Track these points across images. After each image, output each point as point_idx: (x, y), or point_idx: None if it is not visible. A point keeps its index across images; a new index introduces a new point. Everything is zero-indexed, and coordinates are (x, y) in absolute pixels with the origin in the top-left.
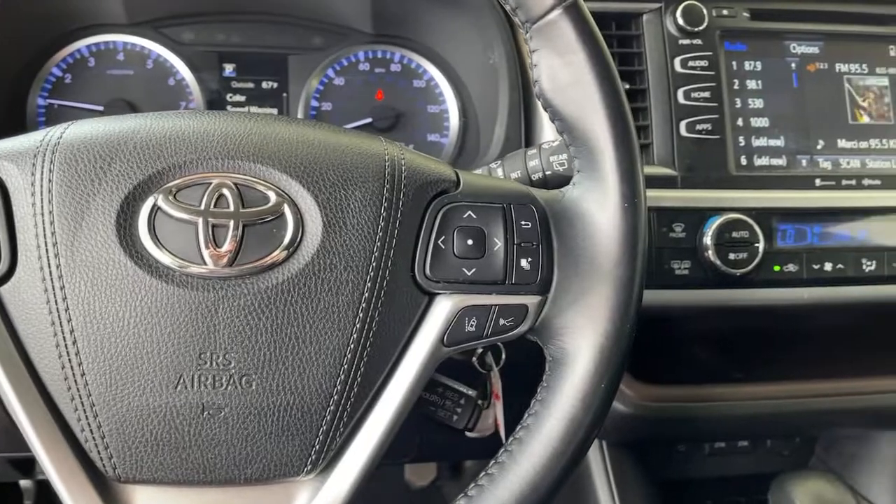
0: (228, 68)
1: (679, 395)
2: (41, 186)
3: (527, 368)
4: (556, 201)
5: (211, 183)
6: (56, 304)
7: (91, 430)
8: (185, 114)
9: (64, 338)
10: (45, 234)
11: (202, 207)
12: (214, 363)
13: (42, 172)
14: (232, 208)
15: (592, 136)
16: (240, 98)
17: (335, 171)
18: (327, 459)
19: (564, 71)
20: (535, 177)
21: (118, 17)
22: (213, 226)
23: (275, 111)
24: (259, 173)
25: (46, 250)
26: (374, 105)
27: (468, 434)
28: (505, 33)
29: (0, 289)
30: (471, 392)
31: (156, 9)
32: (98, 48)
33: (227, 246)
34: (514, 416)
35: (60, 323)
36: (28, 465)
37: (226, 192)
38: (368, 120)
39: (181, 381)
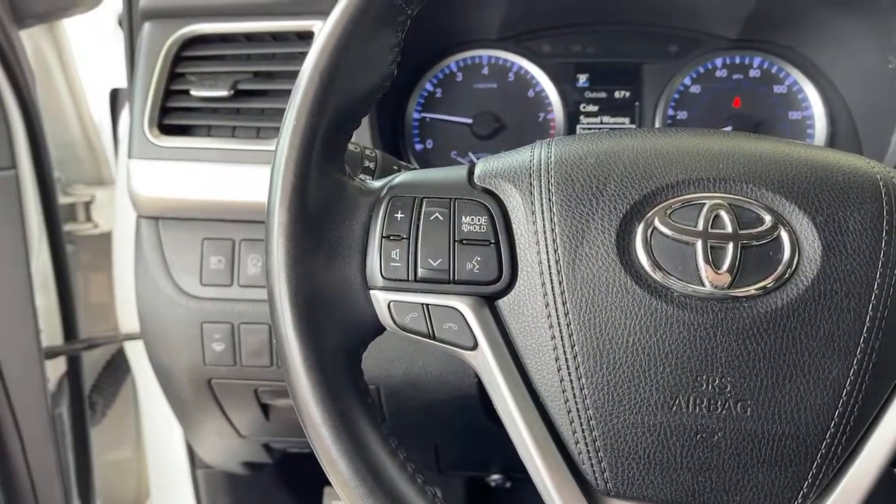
0: (582, 78)
1: None
2: (542, 206)
3: None
4: None
5: (706, 203)
6: (557, 319)
7: (586, 443)
8: (657, 132)
9: (564, 352)
10: (547, 252)
11: (700, 228)
12: (711, 386)
13: (542, 192)
14: (730, 230)
15: None
16: (592, 108)
17: (829, 191)
18: (816, 494)
19: None
20: None
21: (489, 33)
22: (711, 247)
23: (626, 121)
24: (751, 193)
25: (549, 267)
26: (732, 113)
27: None
28: None
29: (498, 302)
30: None
31: (529, 23)
32: (465, 63)
33: (726, 268)
34: None
35: (562, 338)
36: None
37: (722, 212)
38: (728, 128)
39: (677, 402)
